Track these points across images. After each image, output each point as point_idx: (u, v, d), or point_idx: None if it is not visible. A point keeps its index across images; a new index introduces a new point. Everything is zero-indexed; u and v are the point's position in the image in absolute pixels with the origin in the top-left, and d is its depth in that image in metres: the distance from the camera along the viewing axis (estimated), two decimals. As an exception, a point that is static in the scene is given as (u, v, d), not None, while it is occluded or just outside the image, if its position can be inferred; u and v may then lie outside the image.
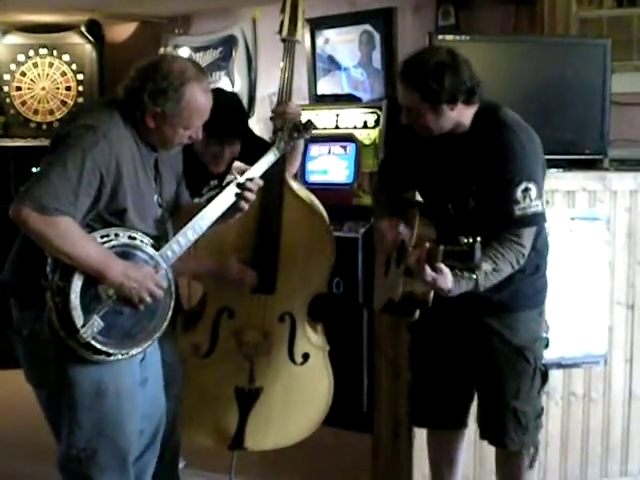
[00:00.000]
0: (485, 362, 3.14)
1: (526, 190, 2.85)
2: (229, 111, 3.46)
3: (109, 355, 2.68)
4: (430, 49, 3.03)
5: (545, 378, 3.16)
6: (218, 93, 3.06)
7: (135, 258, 2.72)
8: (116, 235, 2.69)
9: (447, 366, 3.22)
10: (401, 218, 3.08)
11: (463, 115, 2.94)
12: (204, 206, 2.88)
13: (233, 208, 2.93)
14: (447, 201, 3.01)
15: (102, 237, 2.66)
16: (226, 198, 2.91)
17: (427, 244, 2.69)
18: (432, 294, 2.81)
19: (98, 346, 2.63)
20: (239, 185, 2.91)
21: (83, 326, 2.58)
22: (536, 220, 2.91)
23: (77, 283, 2.59)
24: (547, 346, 3.24)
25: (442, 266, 2.67)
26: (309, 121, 3.24)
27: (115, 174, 2.66)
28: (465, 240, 2.55)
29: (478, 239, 2.54)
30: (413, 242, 2.89)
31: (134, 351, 2.76)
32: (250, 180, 2.93)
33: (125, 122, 2.74)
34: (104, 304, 2.64)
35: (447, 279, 2.73)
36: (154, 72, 2.72)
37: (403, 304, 2.88)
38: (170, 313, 2.85)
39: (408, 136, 3.03)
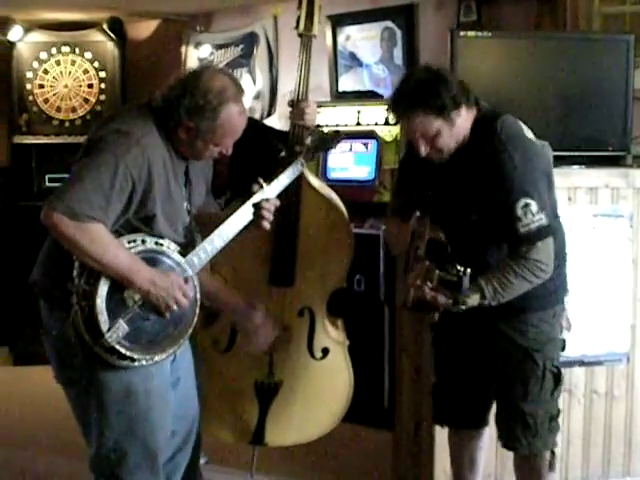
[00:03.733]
0: (496, 364, 3.13)
1: (526, 206, 2.83)
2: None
3: (134, 360, 2.67)
4: (406, 75, 3.04)
5: (558, 380, 3.11)
6: None
7: (161, 264, 2.73)
8: (143, 241, 2.69)
9: (467, 366, 3.22)
10: (413, 219, 3.09)
11: (466, 122, 2.93)
12: (231, 213, 2.89)
13: (254, 223, 2.95)
14: (451, 213, 3.01)
15: (129, 242, 2.66)
16: (249, 210, 2.93)
17: (427, 263, 2.75)
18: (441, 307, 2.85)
19: (123, 351, 2.63)
20: (255, 205, 2.93)
21: (108, 330, 2.58)
22: (543, 234, 2.86)
23: (103, 287, 2.59)
24: (564, 348, 3.21)
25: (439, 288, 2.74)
26: (336, 133, 3.25)
27: (147, 181, 2.66)
28: (458, 268, 2.63)
29: (468, 271, 2.62)
30: (423, 250, 2.90)
31: (159, 357, 2.74)
32: (266, 201, 2.95)
33: (159, 129, 2.74)
34: (130, 309, 2.64)
35: (443, 298, 2.77)
36: (193, 87, 2.72)
37: (417, 308, 2.91)
38: (196, 319, 2.85)
39: (415, 156, 3.02)
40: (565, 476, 3.80)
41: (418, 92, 2.86)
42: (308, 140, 3.27)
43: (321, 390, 3.83)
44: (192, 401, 3.14)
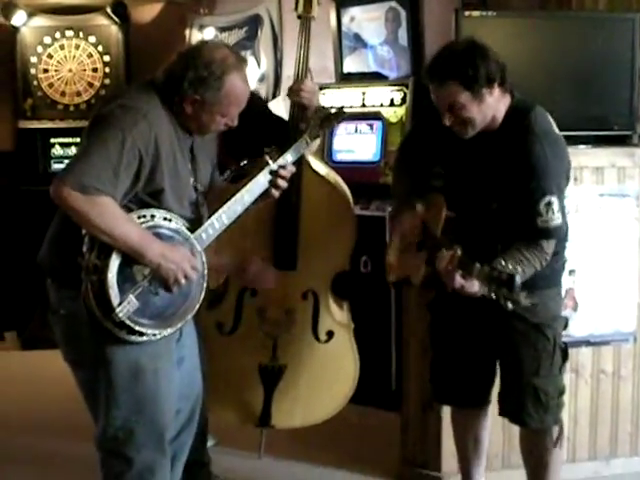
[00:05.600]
0: (504, 341, 3.14)
1: (549, 204, 2.86)
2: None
3: (142, 335, 2.69)
4: (451, 43, 3.05)
5: (565, 356, 3.15)
6: None
7: (170, 239, 2.73)
8: (152, 216, 2.70)
9: (468, 345, 3.23)
10: (423, 200, 3.08)
11: (499, 105, 2.93)
12: (238, 190, 2.89)
13: (264, 194, 2.95)
14: (470, 198, 3.02)
15: (139, 217, 2.68)
16: (260, 184, 2.93)
17: (459, 251, 2.74)
18: None
19: (132, 325, 2.64)
20: (272, 172, 2.94)
21: (119, 305, 2.59)
22: (557, 233, 2.92)
23: (114, 262, 2.60)
24: (566, 326, 3.23)
25: (473, 278, 2.73)
26: (340, 110, 3.25)
27: (154, 154, 2.67)
28: (503, 264, 2.63)
29: (518, 268, 2.63)
30: (439, 232, 2.92)
31: (167, 332, 2.76)
32: (283, 167, 2.95)
33: (163, 105, 2.76)
34: (139, 284, 2.65)
35: (474, 286, 2.79)
36: (196, 59, 2.74)
37: (422, 287, 2.97)
38: (203, 294, 2.86)
39: (435, 124, 3.01)
40: (572, 456, 3.81)
41: (454, 61, 2.86)
42: (313, 118, 3.27)
43: (326, 373, 3.84)
44: (196, 380, 3.16)
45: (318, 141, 3.84)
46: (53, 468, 4.07)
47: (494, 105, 2.92)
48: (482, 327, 3.16)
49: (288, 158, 3.02)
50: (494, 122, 2.96)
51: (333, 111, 3.29)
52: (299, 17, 3.62)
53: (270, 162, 2.95)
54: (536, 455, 3.21)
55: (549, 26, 3.95)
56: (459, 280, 2.77)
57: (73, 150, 6.25)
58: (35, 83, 6.46)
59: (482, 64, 2.84)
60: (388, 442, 4.12)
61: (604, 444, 3.88)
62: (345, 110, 3.33)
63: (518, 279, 2.58)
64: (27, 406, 4.95)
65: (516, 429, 3.27)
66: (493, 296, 2.66)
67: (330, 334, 3.81)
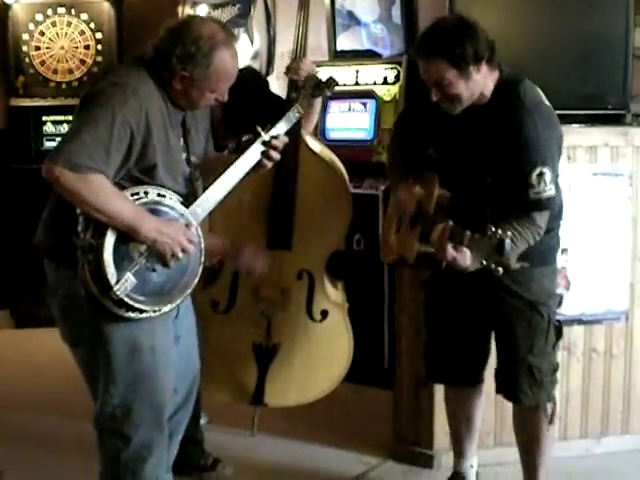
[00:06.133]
0: (499, 318, 3.16)
1: (541, 175, 2.85)
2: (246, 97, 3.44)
3: (142, 312, 2.69)
4: (439, 20, 3.03)
5: (559, 333, 3.16)
6: None
7: (165, 215, 2.73)
8: (145, 193, 2.69)
9: (461, 323, 3.24)
10: (417, 178, 3.09)
11: (487, 81, 2.93)
12: (231, 163, 2.88)
13: (256, 166, 2.94)
14: (463, 173, 3.01)
15: (132, 195, 2.67)
16: (252, 155, 2.91)
17: (450, 222, 2.73)
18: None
19: (131, 303, 2.64)
20: (264, 143, 2.92)
21: (116, 283, 2.59)
22: (550, 204, 2.92)
23: (110, 240, 2.59)
24: (560, 304, 3.24)
25: (464, 248, 2.72)
26: (331, 78, 3.24)
27: (145, 130, 2.67)
28: (493, 230, 2.58)
29: (508, 233, 2.58)
30: (432, 208, 2.92)
31: (166, 308, 2.77)
32: (275, 138, 2.94)
33: (153, 80, 2.75)
34: (136, 261, 2.65)
35: (466, 258, 2.79)
36: (183, 35, 2.72)
37: (416, 264, 2.94)
38: (201, 269, 2.86)
39: (427, 101, 3.00)
40: (564, 434, 3.83)
41: (442, 38, 2.86)
42: (304, 87, 3.26)
43: (320, 352, 3.85)
44: (193, 359, 3.16)
45: (316, 116, 3.84)
46: (46, 446, 4.07)
47: (482, 82, 2.91)
48: (477, 305, 3.17)
49: (281, 128, 2.99)
50: (483, 97, 2.96)
51: (324, 79, 3.28)
52: None
53: (262, 133, 2.93)
54: (529, 432, 3.23)
55: (543, 4, 3.95)
56: (451, 252, 2.77)
57: (65, 128, 6.21)
58: (27, 60, 6.41)
59: (470, 42, 2.83)
60: (381, 419, 4.14)
61: (595, 422, 3.90)
62: (334, 78, 3.32)
63: (508, 243, 2.57)
64: (20, 385, 4.96)
65: (509, 407, 3.29)
66: (484, 262, 2.65)
67: (324, 314, 3.82)
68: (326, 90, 3.28)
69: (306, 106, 3.15)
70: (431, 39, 2.90)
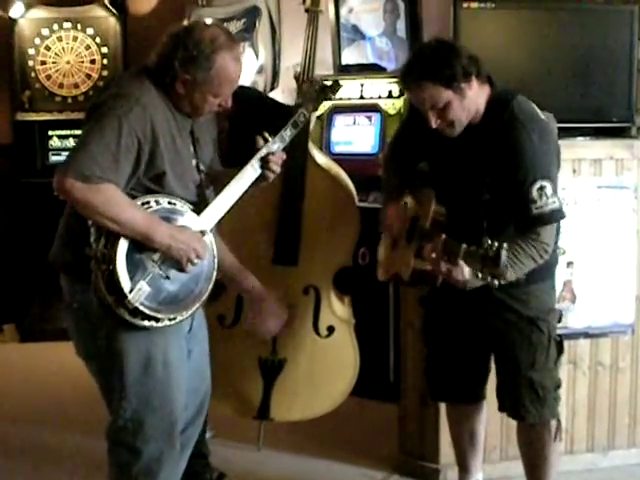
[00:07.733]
0: (499, 335, 3.14)
1: (541, 189, 2.84)
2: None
3: (158, 320, 2.68)
4: (419, 47, 3.06)
5: (560, 349, 3.15)
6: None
7: (176, 222, 2.74)
8: (156, 202, 2.70)
9: (461, 340, 3.23)
10: (414, 193, 3.09)
11: (479, 97, 2.93)
12: (238, 171, 2.89)
13: (264, 170, 2.94)
14: (460, 190, 3.01)
15: (143, 204, 2.67)
16: (255, 167, 2.92)
17: (444, 236, 2.73)
18: (441, 278, 2.86)
19: (146, 311, 2.64)
20: (262, 159, 2.93)
21: (131, 291, 2.59)
22: (555, 217, 2.90)
23: (122, 249, 2.60)
24: (560, 319, 3.23)
25: (460, 262, 2.72)
26: (335, 81, 3.26)
27: (152, 138, 2.67)
28: (489, 243, 2.57)
29: (504, 245, 2.56)
30: (428, 224, 2.92)
31: (181, 316, 2.76)
32: (272, 154, 2.94)
33: (157, 88, 2.75)
34: (149, 270, 2.65)
35: (463, 272, 2.78)
36: (186, 39, 2.72)
37: (411, 281, 2.94)
38: (214, 276, 2.86)
39: (420, 120, 2.99)
40: (570, 448, 3.82)
41: (428, 63, 2.86)
42: (308, 91, 3.28)
43: (326, 368, 3.85)
44: (205, 375, 3.15)
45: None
46: (51, 460, 4.07)
47: (475, 98, 2.91)
48: (476, 322, 3.16)
49: (286, 133, 3.00)
50: (476, 114, 2.95)
51: (328, 83, 3.29)
52: (307, 11, 3.63)
53: (269, 139, 2.95)
54: (534, 449, 3.21)
55: (548, 18, 3.95)
56: (445, 266, 2.76)
57: (71, 142, 6.25)
58: (33, 75, 6.44)
59: (456, 60, 2.83)
60: (386, 434, 4.13)
61: (602, 436, 3.89)
62: (339, 82, 3.33)
63: (504, 253, 2.55)
64: (25, 398, 4.95)
65: (514, 421, 3.28)
66: (479, 275, 2.65)
67: (331, 329, 3.82)
68: (330, 94, 3.29)
69: (311, 110, 3.16)
70: (418, 66, 2.89)
